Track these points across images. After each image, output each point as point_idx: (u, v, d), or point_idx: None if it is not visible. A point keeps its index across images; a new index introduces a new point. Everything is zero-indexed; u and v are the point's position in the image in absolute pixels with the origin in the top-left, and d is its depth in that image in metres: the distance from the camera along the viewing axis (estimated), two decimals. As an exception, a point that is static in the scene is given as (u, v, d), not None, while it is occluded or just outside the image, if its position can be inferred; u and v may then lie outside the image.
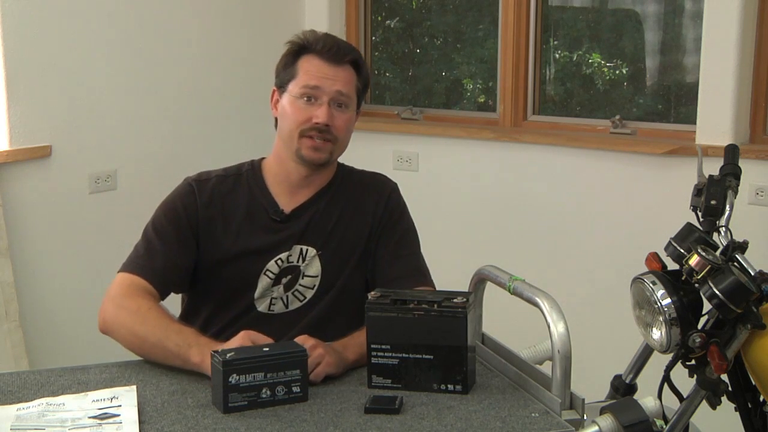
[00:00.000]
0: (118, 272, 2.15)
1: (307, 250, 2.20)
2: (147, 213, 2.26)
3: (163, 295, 2.15)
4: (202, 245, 2.19)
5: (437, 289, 2.18)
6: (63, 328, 3.51)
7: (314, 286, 2.20)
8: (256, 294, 2.18)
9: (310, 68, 2.17)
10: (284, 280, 2.19)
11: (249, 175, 2.25)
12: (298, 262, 2.19)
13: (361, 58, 2.25)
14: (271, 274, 2.19)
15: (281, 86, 2.22)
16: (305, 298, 2.20)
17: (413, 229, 2.30)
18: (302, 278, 2.19)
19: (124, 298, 2.07)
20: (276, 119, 2.24)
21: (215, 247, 2.19)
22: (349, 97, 2.19)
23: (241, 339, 1.89)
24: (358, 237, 2.23)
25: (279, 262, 2.19)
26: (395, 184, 2.33)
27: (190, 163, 3.74)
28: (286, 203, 2.22)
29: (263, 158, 2.29)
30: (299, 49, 2.20)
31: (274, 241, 2.19)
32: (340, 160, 2.28)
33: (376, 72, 4.54)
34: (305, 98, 2.15)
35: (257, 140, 3.48)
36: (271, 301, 2.19)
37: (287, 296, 2.20)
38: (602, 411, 1.66)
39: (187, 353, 1.92)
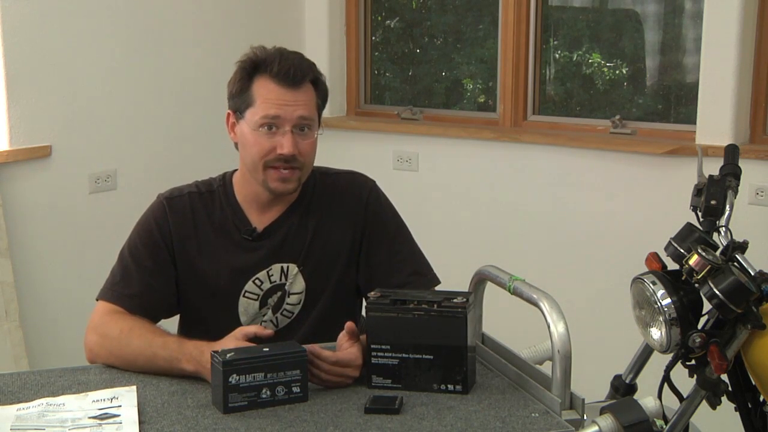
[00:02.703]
0: (97, 299, 2.12)
1: (288, 267, 2.14)
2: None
3: (150, 320, 2.09)
4: (179, 265, 2.14)
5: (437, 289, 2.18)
6: (63, 328, 3.51)
7: (300, 301, 2.16)
8: (245, 320, 2.14)
9: (268, 95, 2.04)
10: (271, 302, 2.15)
11: (221, 191, 2.17)
12: (281, 280, 2.14)
13: (318, 72, 2.12)
14: (251, 296, 2.14)
15: (237, 111, 2.10)
16: (293, 314, 2.17)
17: (401, 225, 2.23)
18: (288, 297, 2.15)
19: (105, 325, 2.04)
20: (236, 143, 2.14)
21: (191, 268, 2.14)
22: (312, 119, 2.08)
23: (234, 340, 1.89)
24: (340, 246, 2.16)
25: (257, 282, 2.14)
26: (373, 182, 2.24)
27: (190, 162, 3.77)
28: (259, 221, 2.15)
29: (235, 171, 2.20)
30: (252, 69, 2.07)
31: (249, 261, 2.13)
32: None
33: (376, 72, 4.54)
34: (266, 127, 2.05)
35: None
36: (261, 324, 2.14)
37: (276, 317, 2.16)
38: (602, 411, 1.66)
39: (179, 366, 1.91)
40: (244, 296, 2.14)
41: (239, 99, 2.10)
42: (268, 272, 2.14)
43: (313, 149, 2.11)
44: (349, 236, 2.17)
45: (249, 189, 2.15)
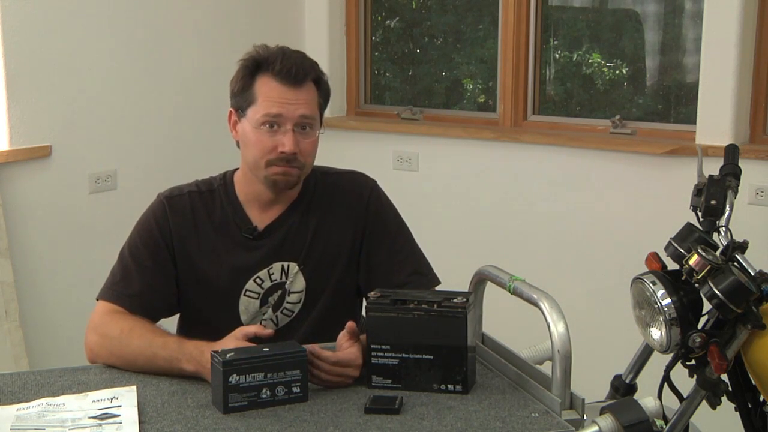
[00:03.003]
0: (97, 299, 2.12)
1: (288, 266, 2.14)
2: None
3: (150, 320, 2.09)
4: (179, 264, 2.14)
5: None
6: (63, 328, 3.51)
7: (300, 300, 2.16)
8: (245, 318, 2.14)
9: (270, 93, 2.05)
10: (271, 300, 2.15)
11: (221, 190, 2.17)
12: (281, 279, 2.14)
13: (321, 71, 2.13)
14: (252, 294, 2.14)
15: (239, 109, 2.10)
16: (293, 313, 2.17)
17: (402, 225, 2.23)
18: (288, 295, 2.15)
19: (105, 325, 2.04)
20: (237, 141, 2.15)
21: (191, 267, 2.13)
22: (313, 118, 2.09)
23: (234, 340, 1.89)
24: (341, 245, 2.17)
25: (258, 280, 2.14)
26: (374, 182, 2.25)
27: (190, 162, 3.77)
28: (259, 219, 2.15)
29: (236, 170, 2.20)
30: (254, 67, 2.08)
31: (250, 259, 2.14)
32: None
33: (376, 72, 4.54)
34: (268, 125, 2.06)
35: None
36: (261, 323, 2.14)
37: (276, 316, 2.16)
38: (602, 411, 1.66)
39: (179, 367, 1.91)
40: (244, 295, 2.14)
41: (241, 97, 2.10)
42: (268, 271, 2.14)
43: (314, 148, 2.12)
44: (350, 236, 2.18)
45: (250, 187, 2.15)
